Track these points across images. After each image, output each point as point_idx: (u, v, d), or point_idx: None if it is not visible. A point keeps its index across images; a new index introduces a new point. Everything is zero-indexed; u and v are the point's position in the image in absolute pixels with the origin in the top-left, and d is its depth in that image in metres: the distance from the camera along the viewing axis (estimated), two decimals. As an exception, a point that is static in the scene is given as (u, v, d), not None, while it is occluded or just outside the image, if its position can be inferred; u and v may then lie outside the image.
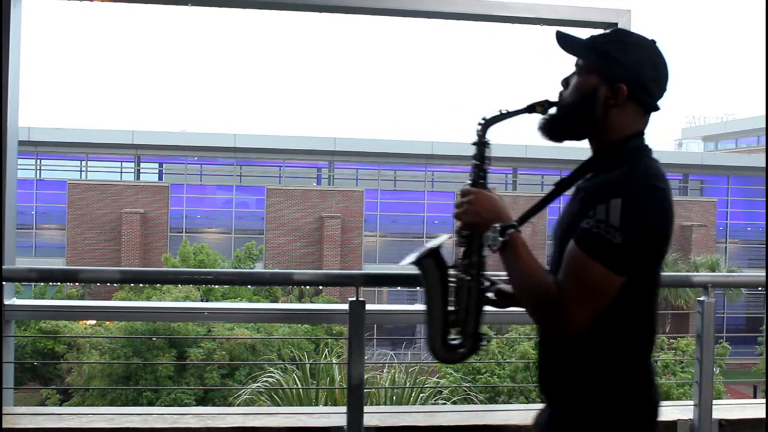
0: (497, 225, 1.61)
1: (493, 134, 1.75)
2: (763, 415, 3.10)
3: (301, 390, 4.64)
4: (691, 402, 3.08)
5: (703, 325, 3.00)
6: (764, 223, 29.68)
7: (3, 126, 2.96)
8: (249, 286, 18.03)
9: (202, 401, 14.29)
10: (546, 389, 1.68)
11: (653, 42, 1.65)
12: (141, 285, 17.55)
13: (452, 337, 1.73)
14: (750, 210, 30.96)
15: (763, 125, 37.65)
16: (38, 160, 28.33)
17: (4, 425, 2.72)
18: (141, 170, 29.65)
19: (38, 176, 28.44)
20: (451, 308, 1.73)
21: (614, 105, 1.61)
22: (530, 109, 1.69)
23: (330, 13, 3.35)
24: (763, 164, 29.82)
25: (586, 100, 1.63)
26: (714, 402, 3.04)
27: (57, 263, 25.17)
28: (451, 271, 1.74)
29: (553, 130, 1.69)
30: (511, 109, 1.70)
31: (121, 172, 29.45)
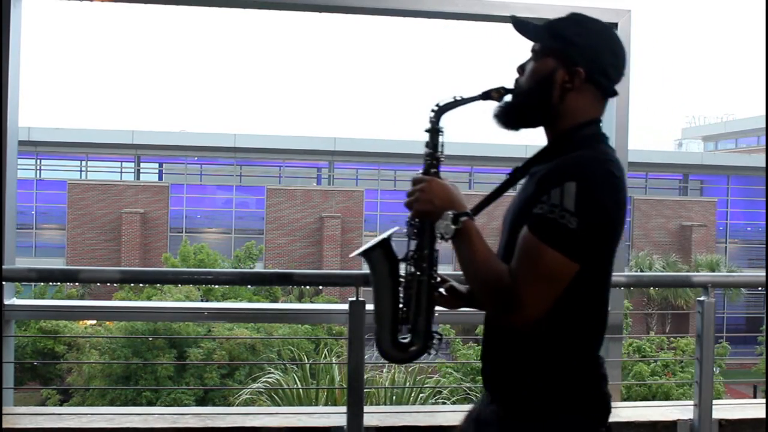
0: (450, 212, 1.54)
1: (452, 132, 1.71)
2: (763, 415, 3.10)
3: (301, 390, 4.64)
4: (691, 402, 3.08)
5: (703, 325, 3.01)
6: (764, 223, 29.67)
7: (3, 126, 2.96)
8: (249, 286, 18.02)
9: (202, 401, 14.28)
10: (492, 382, 1.63)
11: (611, 27, 1.63)
12: (141, 285, 17.54)
13: (402, 335, 1.67)
14: (750, 210, 30.95)
15: (763, 125, 37.64)
16: (38, 160, 28.33)
17: (4, 425, 2.72)
18: (141, 170, 29.65)
19: (38, 176, 28.44)
20: (401, 304, 1.66)
21: (571, 89, 1.58)
22: (485, 95, 1.63)
23: (330, 13, 3.35)
24: (763, 164, 29.80)
25: (542, 84, 1.59)
26: (714, 402, 3.04)
27: (57, 263, 25.15)
28: (402, 265, 1.67)
29: (509, 117, 1.65)
30: (465, 96, 1.64)
31: (121, 172, 29.45)
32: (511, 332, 1.57)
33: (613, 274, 3.39)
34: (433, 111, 1.66)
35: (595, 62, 1.58)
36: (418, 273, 1.64)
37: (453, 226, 1.53)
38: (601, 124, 1.63)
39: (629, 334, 18.74)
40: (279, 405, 4.66)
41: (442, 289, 1.76)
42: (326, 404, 4.47)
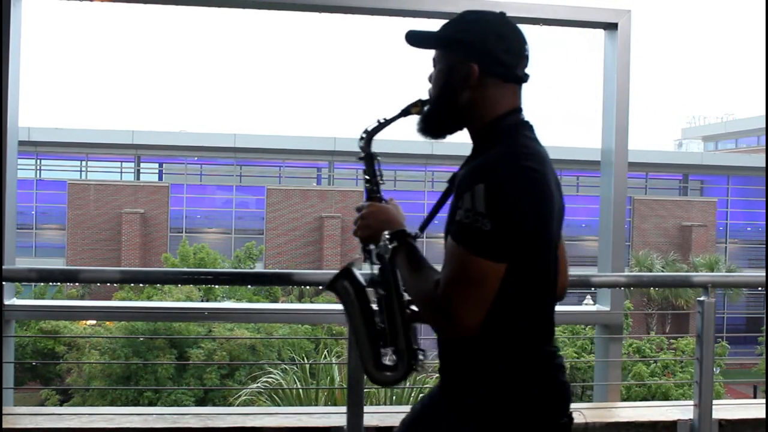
0: (386, 233, 1.59)
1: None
2: (763, 415, 3.10)
3: (301, 390, 4.64)
4: (691, 402, 3.08)
5: (703, 325, 3.01)
6: (764, 223, 29.68)
7: (3, 126, 2.96)
8: (249, 286, 18.02)
9: (202, 401, 14.28)
10: (447, 385, 1.64)
11: (500, 14, 1.62)
12: (141, 285, 17.54)
13: (387, 357, 1.65)
14: (750, 210, 30.95)
15: (763, 125, 37.64)
16: (38, 160, 28.32)
17: (4, 425, 2.72)
18: (141, 170, 29.65)
19: (38, 176, 28.44)
20: (379, 327, 1.66)
21: (471, 85, 1.58)
22: (405, 112, 1.67)
23: (330, 13, 3.35)
24: (763, 164, 29.80)
25: (445, 88, 1.61)
26: (714, 402, 3.04)
27: (57, 263, 25.14)
28: (370, 289, 1.68)
29: (429, 127, 1.67)
30: (389, 117, 1.68)
31: (121, 172, 29.45)
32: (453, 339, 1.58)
33: (613, 274, 3.41)
34: (361, 138, 1.71)
35: (485, 53, 1.57)
36: (387, 294, 1.64)
37: (389, 246, 1.57)
38: (521, 113, 1.62)
39: (629, 335, 18.74)
40: (279, 405, 4.66)
41: (413, 306, 1.70)
42: (326, 404, 4.47)
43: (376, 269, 1.67)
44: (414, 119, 1.68)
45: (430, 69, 1.68)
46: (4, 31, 2.96)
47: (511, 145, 1.53)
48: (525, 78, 1.63)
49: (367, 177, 1.72)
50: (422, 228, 1.68)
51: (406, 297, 1.67)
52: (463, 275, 1.45)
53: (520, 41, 1.61)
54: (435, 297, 1.47)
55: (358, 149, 1.72)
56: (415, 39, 1.66)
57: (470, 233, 1.43)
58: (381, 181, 1.73)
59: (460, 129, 1.66)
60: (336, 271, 1.72)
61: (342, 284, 1.69)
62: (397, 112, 1.68)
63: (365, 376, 1.74)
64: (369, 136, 1.70)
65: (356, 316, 1.68)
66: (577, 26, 3.46)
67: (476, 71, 1.57)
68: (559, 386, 1.58)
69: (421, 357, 1.65)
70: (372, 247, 1.67)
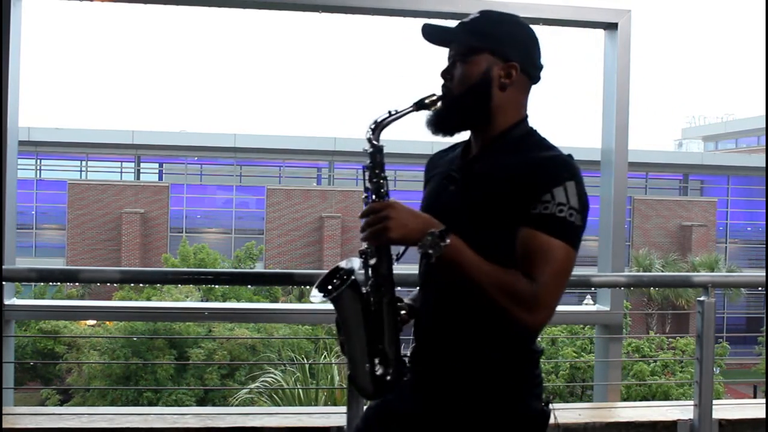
0: (434, 230, 1.46)
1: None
2: (763, 415, 3.10)
3: (301, 390, 4.64)
4: (691, 402, 3.08)
5: (703, 325, 3.00)
6: (764, 223, 29.67)
7: (3, 126, 2.96)
8: (249, 286, 18.02)
9: (202, 401, 14.28)
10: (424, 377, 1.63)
11: (518, 17, 1.66)
12: (141, 285, 17.54)
13: (376, 366, 1.56)
14: (750, 210, 30.94)
15: (763, 125, 37.63)
16: (38, 160, 28.32)
17: (4, 425, 2.72)
18: (141, 170, 29.64)
19: (38, 176, 28.43)
20: (373, 334, 1.57)
21: (510, 84, 1.60)
22: (419, 105, 1.62)
23: (330, 13, 3.35)
24: (763, 164, 29.79)
25: (479, 85, 1.59)
26: (714, 402, 3.04)
27: (57, 263, 25.13)
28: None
29: (444, 124, 1.64)
30: (399, 109, 1.61)
31: (121, 172, 29.44)
32: (462, 324, 1.58)
33: (613, 274, 3.41)
34: (371, 129, 1.61)
35: (526, 54, 1.62)
36: (382, 299, 1.57)
37: (442, 244, 1.46)
38: (528, 120, 1.66)
39: (629, 334, 18.74)
40: (279, 405, 4.66)
41: (403, 312, 1.65)
42: (326, 404, 4.47)
43: (366, 272, 1.58)
44: (415, 117, 1.66)
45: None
46: (4, 31, 2.96)
47: (549, 144, 1.61)
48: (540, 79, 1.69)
49: (376, 171, 1.59)
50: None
51: (400, 302, 1.65)
52: (559, 265, 1.49)
53: (540, 45, 1.67)
54: (524, 287, 1.46)
55: (363, 144, 1.62)
56: (441, 34, 1.66)
57: (568, 227, 1.49)
58: (386, 176, 1.61)
59: (474, 128, 1.66)
60: (327, 274, 1.61)
61: (348, 295, 1.56)
62: (410, 105, 1.62)
63: (357, 392, 1.64)
64: (378, 126, 1.60)
65: (357, 328, 1.57)
66: (577, 26, 3.47)
67: (517, 71, 1.60)
68: (535, 377, 1.62)
69: (408, 366, 1.60)
70: (369, 249, 1.56)
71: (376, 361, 1.56)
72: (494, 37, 1.60)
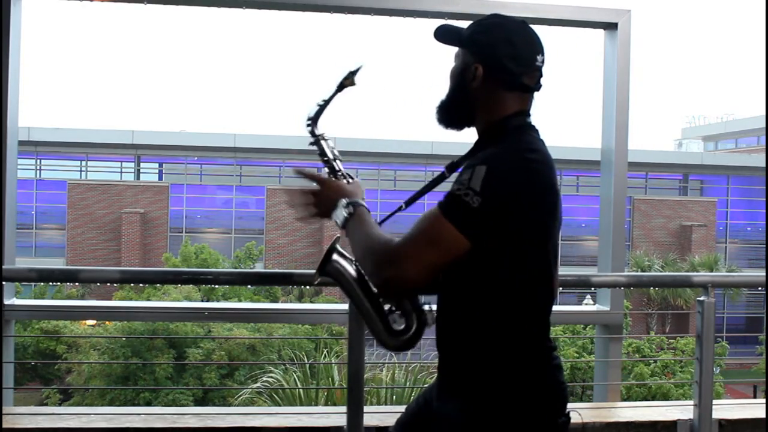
0: (344, 200, 1.66)
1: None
2: (763, 415, 3.10)
3: (301, 390, 4.64)
4: (691, 402, 3.08)
5: (703, 325, 3.00)
6: (764, 223, 29.67)
7: (3, 126, 2.96)
8: (249, 286, 18.02)
9: (201, 402, 14.27)
10: (445, 383, 1.64)
11: (521, 22, 1.66)
12: (141, 285, 17.54)
13: (396, 323, 1.66)
14: (750, 210, 30.94)
15: (763, 125, 37.64)
16: (38, 160, 28.32)
17: (4, 425, 2.72)
18: (141, 170, 29.64)
19: (38, 176, 28.43)
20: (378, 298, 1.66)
21: (476, 86, 1.63)
22: (340, 87, 1.76)
23: (330, 13, 3.35)
24: (763, 164, 29.81)
25: (456, 84, 1.69)
26: (714, 402, 3.04)
27: (57, 263, 25.14)
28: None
29: (444, 118, 1.72)
30: (326, 97, 1.78)
31: (121, 172, 29.44)
32: (454, 328, 1.59)
33: (613, 274, 3.41)
34: (308, 125, 1.80)
35: (491, 57, 1.62)
36: None
37: (344, 212, 1.62)
38: (528, 118, 1.66)
39: (629, 334, 18.74)
40: (279, 405, 4.66)
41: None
42: (326, 404, 4.47)
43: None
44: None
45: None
46: (4, 31, 2.96)
47: (518, 140, 1.58)
48: (533, 87, 1.65)
49: (324, 158, 1.79)
50: (408, 203, 1.76)
51: None
52: (426, 231, 1.48)
53: (532, 51, 1.63)
54: (389, 244, 1.49)
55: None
56: (442, 34, 1.72)
57: (454, 202, 1.46)
58: (338, 158, 1.80)
59: (471, 124, 1.71)
60: (322, 257, 1.72)
61: (333, 266, 1.70)
62: (333, 89, 1.76)
63: (385, 350, 1.72)
64: (313, 120, 1.79)
65: (356, 291, 1.68)
66: (577, 26, 3.46)
67: (480, 73, 1.62)
68: (558, 386, 1.59)
69: (428, 310, 1.66)
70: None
71: (392, 316, 1.65)
72: (467, 39, 1.66)
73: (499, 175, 1.46)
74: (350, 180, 1.77)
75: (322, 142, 1.80)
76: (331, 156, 1.80)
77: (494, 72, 1.62)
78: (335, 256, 1.70)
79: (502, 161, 1.49)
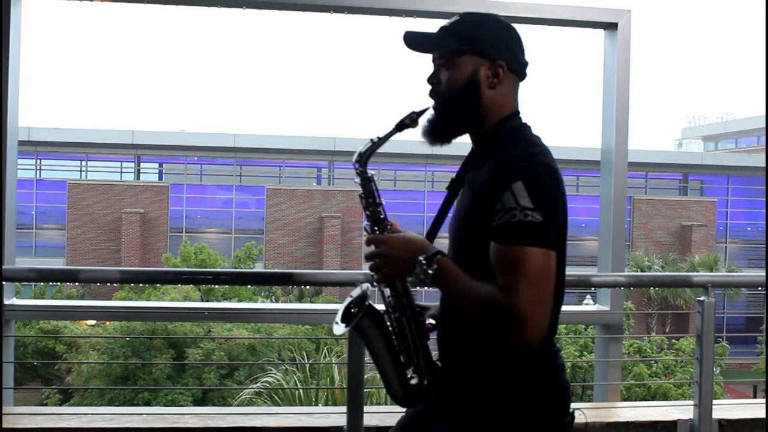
0: (421, 258, 1.52)
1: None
2: (763, 415, 3.10)
3: (301, 390, 4.64)
4: (691, 402, 3.08)
5: (703, 325, 3.00)
6: (764, 223, 29.66)
7: (3, 126, 2.96)
8: (249, 286, 18.02)
9: (200, 402, 14.26)
10: (448, 385, 1.63)
11: (498, 17, 1.66)
12: (141, 285, 17.54)
13: (410, 376, 1.62)
14: (750, 210, 30.94)
15: (763, 125, 37.62)
16: (38, 160, 28.31)
17: (4, 425, 2.72)
18: (141, 170, 29.63)
19: (38, 176, 28.42)
20: (397, 351, 1.62)
21: (498, 83, 1.60)
22: (400, 126, 1.64)
23: (330, 13, 3.35)
24: (763, 164, 29.79)
25: (468, 87, 1.59)
26: (714, 402, 3.04)
27: (57, 263, 25.13)
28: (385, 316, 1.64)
29: (440, 132, 1.64)
30: (381, 135, 1.64)
31: (121, 172, 29.43)
32: (466, 327, 1.57)
33: (613, 274, 3.41)
34: (357, 161, 1.66)
35: (510, 52, 1.62)
36: (402, 315, 1.62)
37: (430, 271, 1.51)
38: (520, 115, 1.65)
39: (629, 334, 18.74)
40: (279, 405, 4.66)
41: (429, 321, 1.69)
42: (326, 404, 4.47)
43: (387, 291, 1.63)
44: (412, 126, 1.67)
45: (429, 68, 1.68)
46: (4, 31, 2.96)
47: (527, 144, 1.57)
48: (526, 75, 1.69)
49: (370, 201, 1.64)
50: (431, 238, 1.64)
51: (421, 314, 1.65)
52: (525, 270, 1.41)
53: (521, 40, 1.67)
54: (496, 299, 1.42)
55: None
56: (423, 41, 1.65)
57: (524, 229, 1.43)
58: (382, 203, 1.66)
59: (469, 132, 1.66)
60: (345, 306, 1.65)
61: (367, 323, 1.61)
62: (391, 127, 1.64)
63: (398, 404, 1.69)
64: (363, 157, 1.65)
65: (380, 347, 1.62)
66: (577, 26, 3.46)
67: (505, 69, 1.61)
68: (562, 385, 1.59)
69: (440, 370, 1.63)
70: (409, 279, 1.59)
71: (408, 373, 1.61)
72: (478, 38, 1.60)
73: (538, 184, 1.45)
74: (390, 224, 1.65)
75: (372, 184, 1.65)
76: (377, 200, 1.64)
77: (514, 66, 1.62)
78: (368, 318, 1.61)
79: (528, 169, 1.47)
